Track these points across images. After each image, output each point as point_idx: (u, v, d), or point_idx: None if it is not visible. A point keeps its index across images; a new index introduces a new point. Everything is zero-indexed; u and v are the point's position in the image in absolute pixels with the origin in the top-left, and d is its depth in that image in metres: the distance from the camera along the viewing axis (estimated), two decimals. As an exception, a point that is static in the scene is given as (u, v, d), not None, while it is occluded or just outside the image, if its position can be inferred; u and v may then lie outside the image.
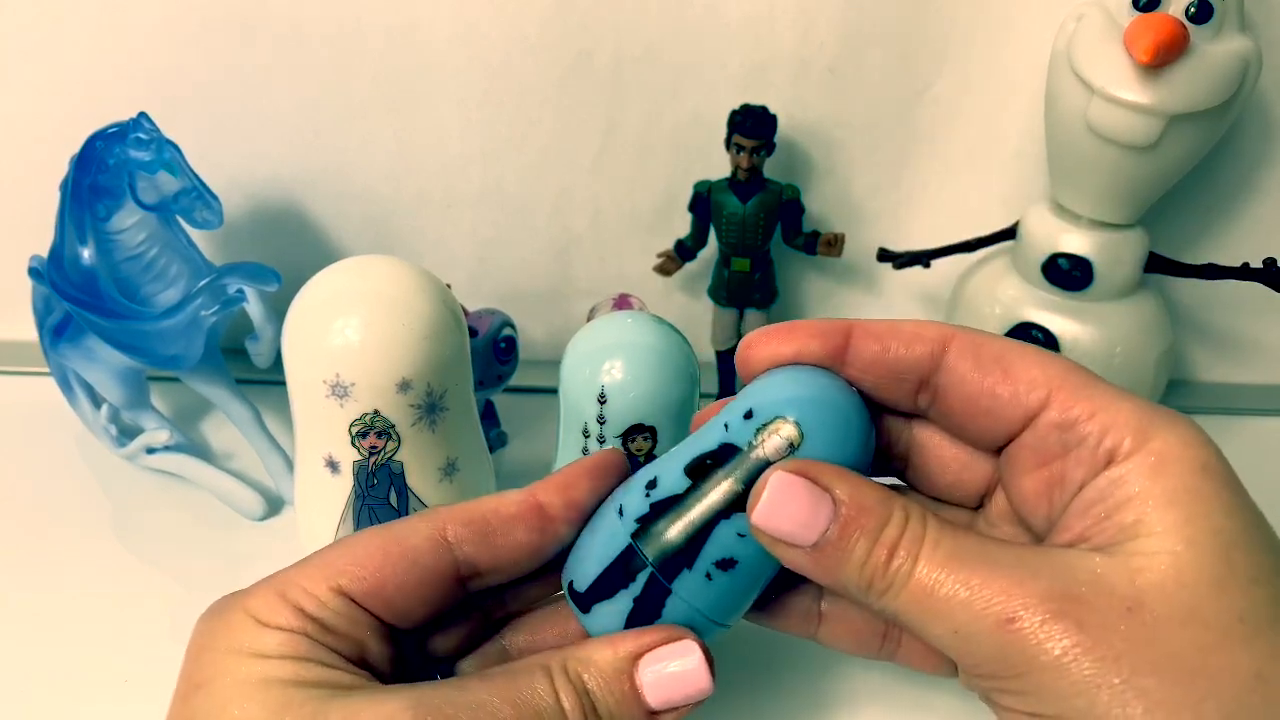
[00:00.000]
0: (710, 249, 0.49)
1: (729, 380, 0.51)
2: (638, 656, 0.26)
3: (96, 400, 0.46)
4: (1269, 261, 0.42)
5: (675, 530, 0.26)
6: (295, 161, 0.50)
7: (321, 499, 0.35)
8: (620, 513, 0.27)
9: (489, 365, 0.43)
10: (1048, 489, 0.26)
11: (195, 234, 0.44)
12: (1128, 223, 0.43)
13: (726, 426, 0.26)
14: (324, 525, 0.35)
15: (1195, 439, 0.24)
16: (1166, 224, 0.48)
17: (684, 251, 0.48)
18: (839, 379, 0.27)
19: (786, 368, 0.27)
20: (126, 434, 0.46)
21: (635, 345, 0.35)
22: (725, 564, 0.26)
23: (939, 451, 0.29)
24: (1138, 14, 0.38)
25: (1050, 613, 0.22)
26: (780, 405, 0.26)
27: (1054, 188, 0.44)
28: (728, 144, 0.45)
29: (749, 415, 0.26)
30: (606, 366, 0.34)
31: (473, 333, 0.42)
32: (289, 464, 0.45)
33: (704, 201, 0.46)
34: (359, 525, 0.35)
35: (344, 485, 0.34)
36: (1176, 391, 0.52)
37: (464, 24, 0.46)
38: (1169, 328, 0.45)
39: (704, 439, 0.27)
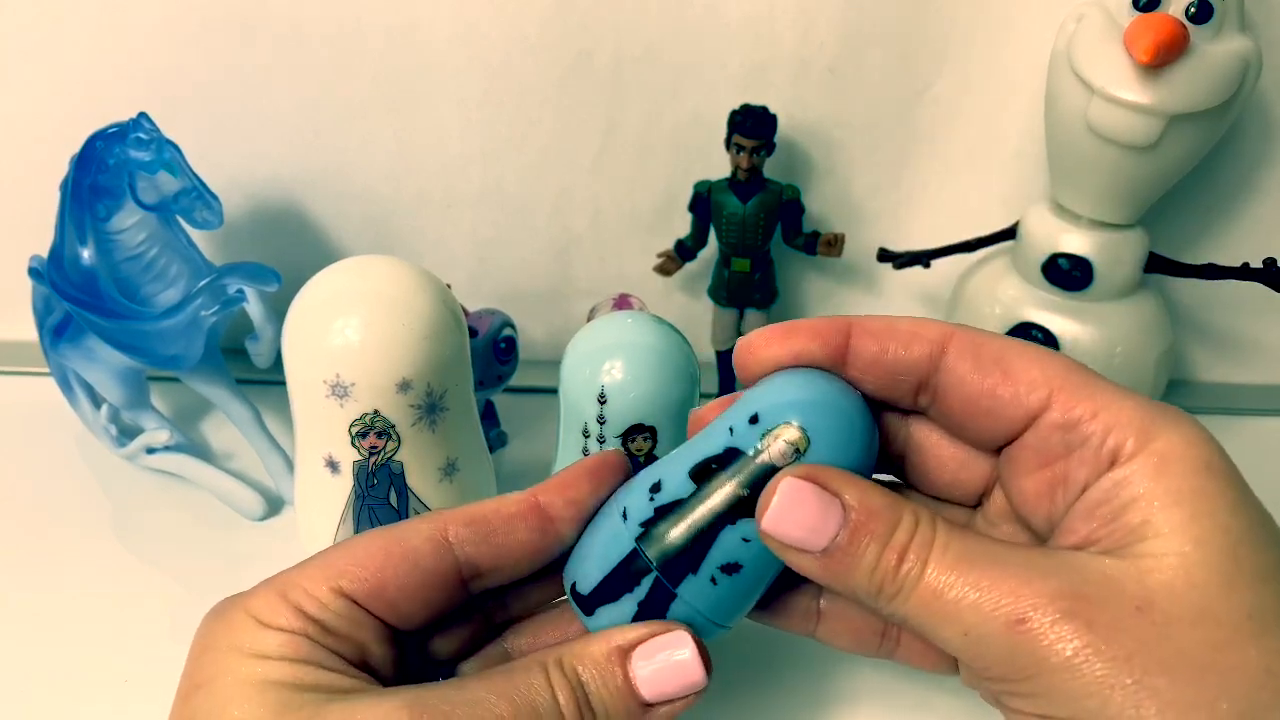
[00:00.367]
0: (710, 249, 0.49)
1: (729, 380, 0.51)
2: (631, 649, 0.26)
3: (96, 400, 0.46)
4: (1269, 261, 0.42)
5: (680, 535, 0.26)
6: (295, 161, 0.50)
7: (321, 499, 0.35)
8: (624, 516, 0.27)
9: (489, 365, 0.43)
10: (1049, 489, 0.26)
11: (195, 234, 0.44)
12: (1128, 223, 0.43)
13: (731, 430, 0.26)
14: (324, 525, 0.35)
15: (1198, 437, 0.24)
16: (1166, 224, 0.48)
17: (684, 251, 0.48)
18: (842, 382, 0.27)
19: (790, 371, 0.27)
20: (126, 434, 0.46)
21: (635, 345, 0.35)
22: (730, 568, 0.26)
23: (937, 450, 0.29)
24: (1138, 14, 0.38)
25: (1061, 613, 0.22)
26: (785, 410, 0.26)
27: (1054, 188, 0.44)
28: (728, 144, 0.45)
29: (754, 420, 0.26)
30: (607, 366, 0.34)
31: (473, 333, 0.42)
32: (289, 464, 0.45)
33: (704, 201, 0.46)
34: (359, 525, 0.35)
35: (344, 485, 0.34)
36: (1176, 391, 0.52)
37: (464, 24, 0.46)
38: (1169, 328, 0.45)
39: (708, 442, 0.27)
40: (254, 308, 0.41)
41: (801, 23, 0.45)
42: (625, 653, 0.26)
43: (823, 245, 0.47)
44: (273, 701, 0.24)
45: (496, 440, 0.48)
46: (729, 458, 0.26)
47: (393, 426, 0.33)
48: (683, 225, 0.48)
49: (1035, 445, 0.26)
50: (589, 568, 0.27)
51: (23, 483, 0.46)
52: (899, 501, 0.25)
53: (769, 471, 0.25)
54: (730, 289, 0.48)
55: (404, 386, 0.32)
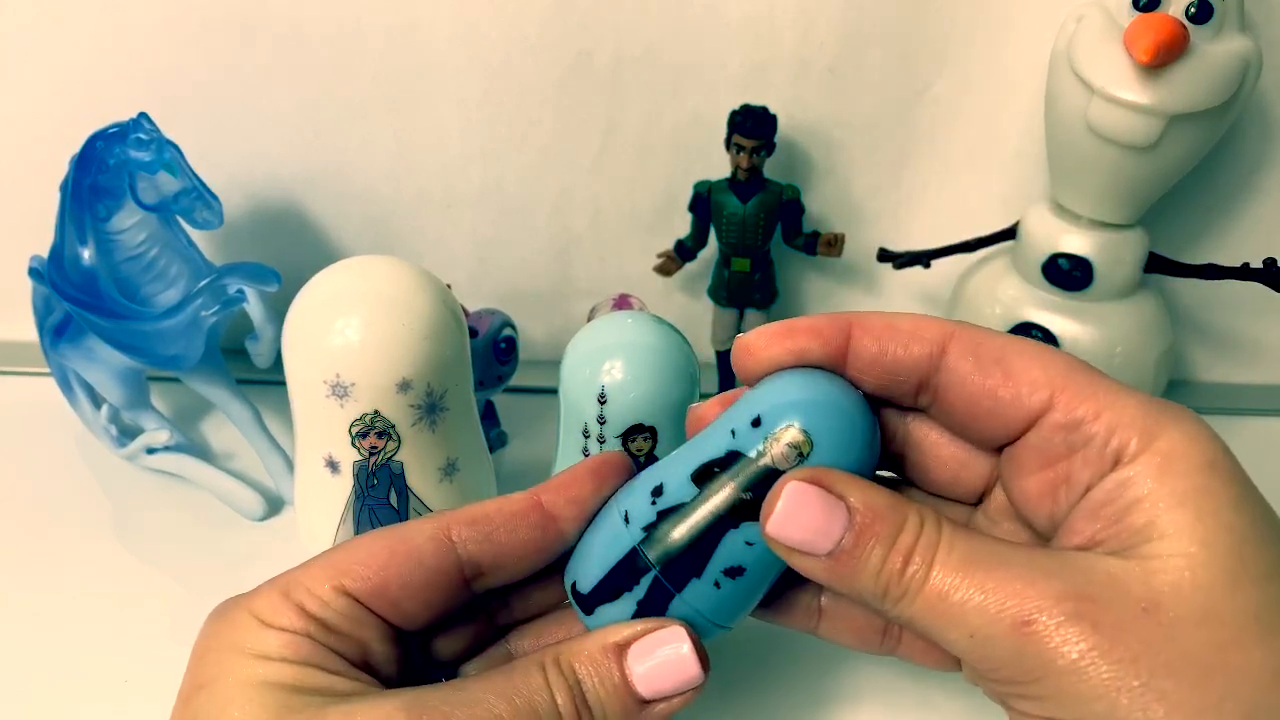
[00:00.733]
0: (710, 249, 0.49)
1: (729, 380, 0.51)
2: (627, 646, 0.26)
3: (97, 400, 0.46)
4: (1269, 261, 0.42)
5: (683, 539, 0.26)
6: (295, 161, 0.50)
7: (322, 499, 0.35)
8: (626, 519, 0.27)
9: (489, 365, 0.43)
10: (1052, 490, 0.26)
11: (195, 234, 0.44)
12: (1128, 223, 0.43)
13: (733, 433, 0.26)
14: (324, 525, 0.35)
15: (1201, 435, 0.24)
16: (1167, 224, 0.48)
17: (684, 252, 0.48)
18: (843, 382, 0.27)
19: (791, 371, 0.27)
20: (127, 434, 0.46)
21: (635, 345, 0.35)
22: (733, 571, 0.26)
23: (938, 448, 0.29)
24: (1138, 14, 0.38)
25: (1067, 614, 0.22)
26: (787, 412, 0.25)
27: (1054, 188, 0.44)
28: (728, 144, 0.45)
29: (756, 422, 0.26)
30: (607, 366, 0.34)
31: (473, 333, 0.42)
32: (289, 464, 0.45)
33: (704, 201, 0.46)
34: (359, 525, 0.35)
35: (344, 485, 0.34)
36: (1176, 391, 0.52)
37: (464, 24, 0.46)
38: (1169, 328, 0.45)
39: (709, 444, 0.26)
40: (254, 308, 0.41)
41: (801, 23, 0.45)
42: (621, 649, 0.26)
43: (823, 245, 0.47)
44: (273, 704, 0.24)
45: (496, 440, 0.48)
46: (731, 460, 0.26)
47: (393, 426, 0.33)
48: (683, 225, 0.48)
49: (1037, 445, 0.26)
50: (589, 568, 0.27)
51: (23, 483, 0.46)
52: (903, 503, 0.25)
53: (772, 474, 0.25)
54: (730, 289, 0.48)
55: (404, 386, 0.32)
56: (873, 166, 0.49)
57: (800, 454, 0.25)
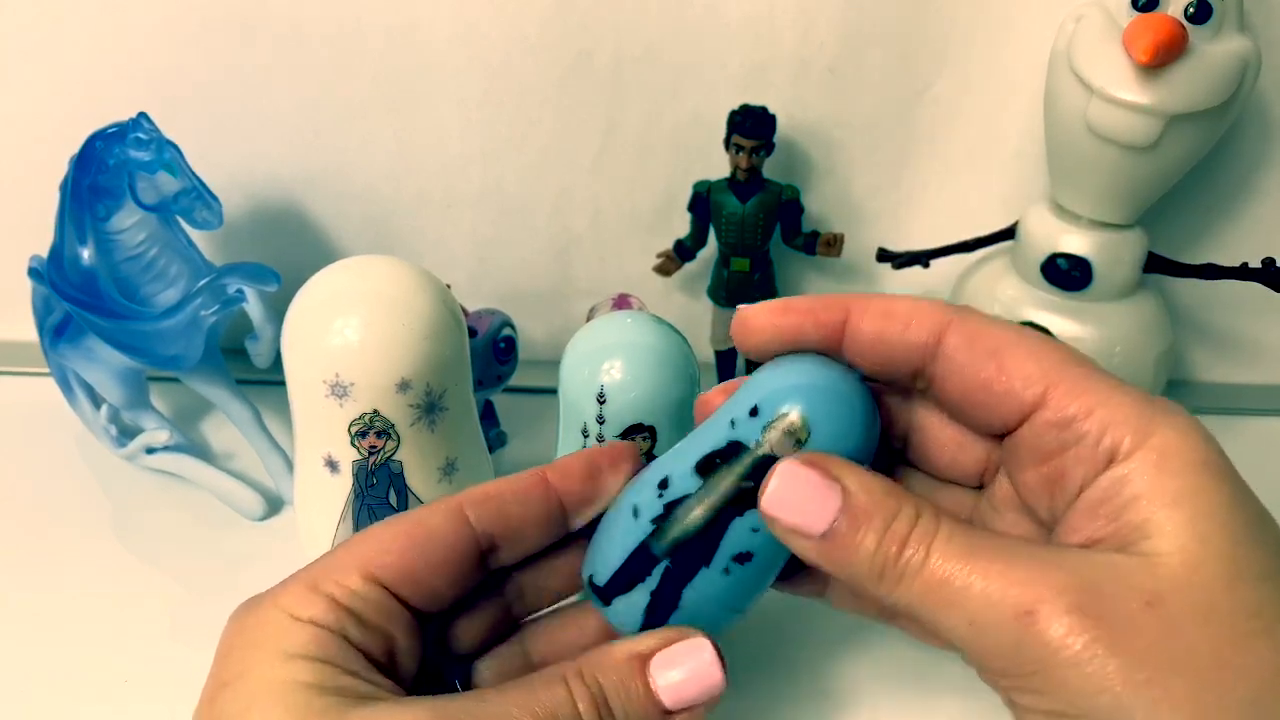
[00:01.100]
0: (710, 249, 0.49)
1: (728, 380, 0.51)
2: (649, 656, 0.26)
3: (96, 400, 0.47)
4: (1268, 261, 0.43)
5: (690, 529, 0.27)
6: (295, 161, 0.50)
7: (321, 499, 0.35)
8: (635, 513, 0.28)
9: (488, 365, 0.43)
10: (1048, 485, 0.26)
11: (195, 234, 0.44)
12: (1127, 223, 0.43)
13: (733, 423, 0.26)
14: (324, 525, 0.35)
15: (1195, 433, 0.24)
16: (1166, 224, 0.48)
17: (683, 252, 0.48)
18: (841, 367, 0.27)
19: (788, 357, 0.27)
20: (126, 434, 0.46)
21: (635, 345, 0.35)
22: (741, 558, 0.27)
23: (938, 431, 0.29)
24: (1137, 14, 0.38)
25: (1070, 605, 0.22)
26: (783, 399, 0.26)
27: (1053, 188, 0.44)
28: (727, 144, 0.45)
29: (754, 412, 0.26)
30: (606, 366, 0.34)
31: (472, 333, 0.42)
32: (289, 464, 0.45)
33: (703, 202, 0.47)
34: (359, 525, 0.35)
35: (343, 485, 0.34)
36: (1176, 391, 0.52)
37: (464, 24, 0.46)
38: (1168, 328, 0.46)
39: (710, 436, 0.27)
40: (254, 308, 0.41)
41: (801, 23, 0.45)
42: (644, 660, 0.26)
43: (822, 245, 0.47)
44: (297, 705, 0.24)
45: (496, 440, 0.48)
46: (732, 451, 0.26)
47: (392, 426, 0.33)
48: (682, 225, 0.48)
49: (1032, 440, 0.26)
50: (604, 561, 0.28)
51: (23, 483, 0.46)
52: (900, 491, 0.25)
53: (771, 461, 0.25)
54: (730, 289, 0.48)
55: (403, 386, 0.32)
56: (872, 166, 0.49)
57: (798, 440, 0.25)
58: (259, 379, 0.45)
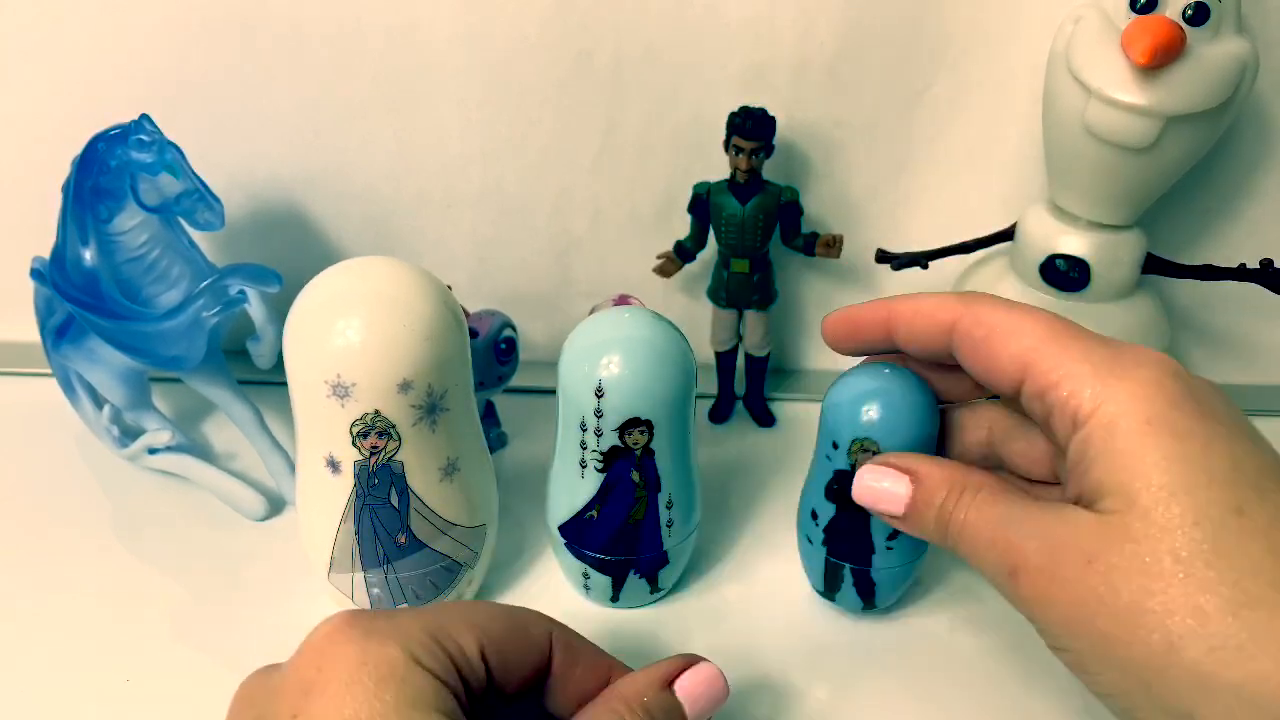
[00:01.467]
0: (710, 250, 0.49)
1: (728, 380, 0.51)
2: (673, 678, 0.30)
3: (98, 401, 0.47)
4: (1265, 262, 0.43)
5: (848, 537, 0.37)
6: (295, 161, 0.50)
7: (323, 499, 0.35)
8: (810, 541, 0.38)
9: (489, 366, 0.44)
10: (1050, 448, 0.31)
11: (196, 235, 0.44)
12: (1125, 224, 0.43)
13: (828, 457, 0.36)
14: (325, 525, 0.36)
15: (1143, 391, 0.26)
16: (1164, 225, 0.48)
17: (683, 253, 0.48)
18: (891, 374, 0.34)
19: (848, 380, 0.35)
20: (128, 435, 0.46)
21: (632, 340, 0.35)
22: (891, 536, 0.37)
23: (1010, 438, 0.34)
24: (1135, 16, 0.39)
25: (1037, 566, 0.26)
26: (851, 431, 0.34)
27: (1052, 189, 0.44)
28: (727, 146, 0.45)
29: (835, 445, 0.35)
30: (604, 361, 0.34)
31: (473, 334, 0.42)
32: (290, 464, 0.45)
33: (703, 203, 0.47)
34: (359, 525, 0.35)
35: (345, 485, 0.34)
36: (1174, 391, 0.52)
37: (464, 24, 0.46)
38: (1167, 328, 0.46)
39: (820, 471, 0.37)
40: (255, 309, 0.41)
41: (801, 23, 0.45)
42: (670, 681, 0.30)
43: (821, 246, 0.47)
44: None
45: (497, 440, 0.48)
46: (840, 477, 0.36)
47: (393, 426, 0.33)
48: (682, 226, 0.48)
49: (1029, 411, 0.29)
50: (814, 581, 0.40)
51: (24, 483, 0.46)
52: (952, 469, 0.30)
53: None
54: (729, 290, 0.48)
55: (405, 387, 0.33)
56: (871, 167, 0.49)
57: (873, 453, 0.34)
58: (260, 379, 0.46)
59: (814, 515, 0.37)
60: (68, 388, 0.47)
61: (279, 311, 0.38)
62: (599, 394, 0.34)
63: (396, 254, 0.36)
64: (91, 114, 0.42)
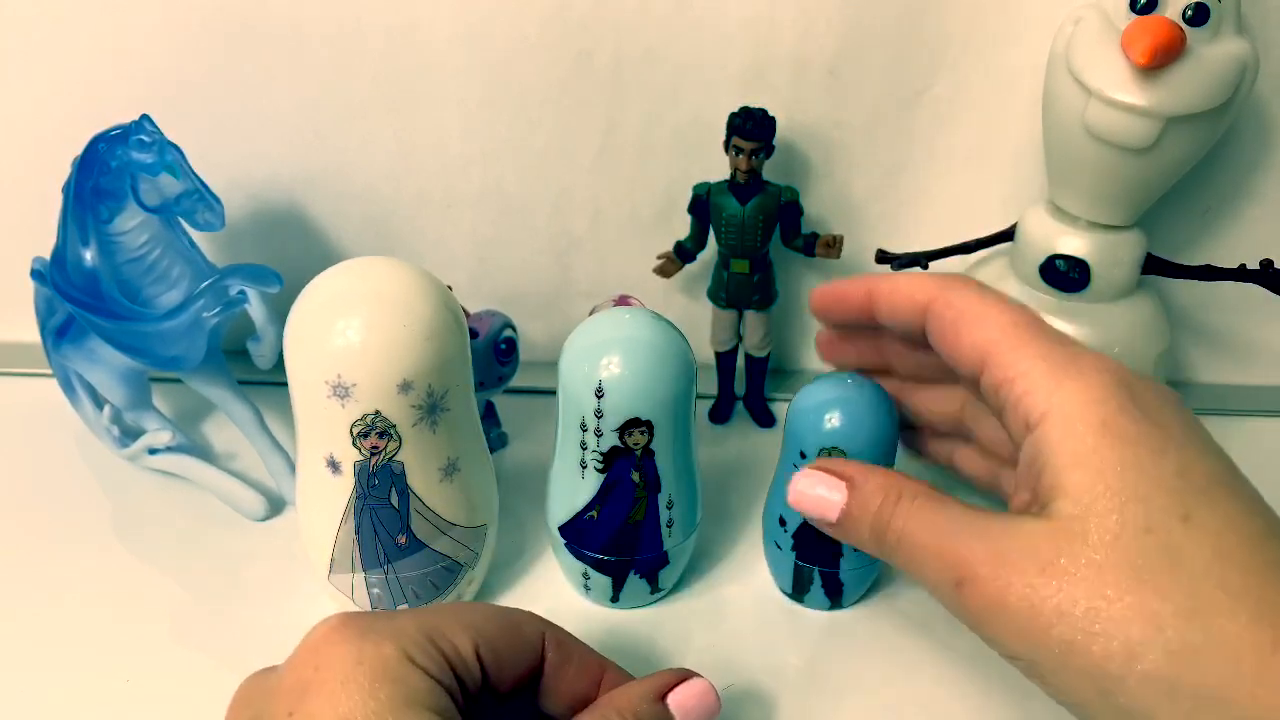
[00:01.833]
0: (710, 251, 0.49)
1: (728, 380, 0.51)
2: (667, 691, 0.30)
3: (99, 401, 0.47)
4: (1265, 263, 0.43)
5: (817, 542, 0.38)
6: (295, 161, 0.50)
7: (323, 499, 0.35)
8: (779, 547, 0.39)
9: (490, 366, 0.44)
10: (1005, 441, 0.31)
11: (197, 235, 0.44)
12: (1125, 224, 0.43)
13: (795, 465, 0.35)
14: (325, 525, 0.36)
15: (1096, 396, 0.26)
16: (1164, 225, 0.48)
17: (683, 253, 0.49)
18: (861, 383, 0.35)
19: (814, 387, 0.36)
20: (129, 435, 0.46)
21: (632, 340, 0.35)
22: None
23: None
24: (1135, 16, 0.39)
25: (985, 576, 0.25)
26: (817, 439, 0.35)
27: (1051, 189, 0.44)
28: (727, 146, 0.45)
29: (803, 455, 0.36)
30: (604, 361, 0.34)
31: (473, 334, 0.42)
32: (290, 464, 0.45)
33: (703, 203, 0.47)
34: (360, 525, 0.35)
35: (345, 485, 0.34)
36: (1174, 392, 0.52)
37: (464, 24, 0.46)
38: (1167, 329, 0.46)
39: (788, 478, 0.34)
40: (256, 309, 0.41)
41: (801, 23, 0.45)
42: (665, 695, 0.30)
43: (821, 247, 0.47)
44: None
45: (497, 441, 0.48)
46: None
47: (394, 427, 0.33)
48: (682, 227, 0.48)
49: (986, 400, 0.29)
50: (782, 583, 0.41)
51: (24, 483, 0.46)
52: (888, 478, 0.29)
53: None
54: (729, 291, 0.48)
55: (405, 387, 0.33)
56: (872, 168, 0.49)
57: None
58: (261, 380, 0.46)
59: (782, 522, 0.38)
60: (68, 388, 0.47)
61: (279, 312, 0.38)
62: (599, 394, 0.34)
63: (396, 254, 0.36)
64: (92, 114, 0.42)
